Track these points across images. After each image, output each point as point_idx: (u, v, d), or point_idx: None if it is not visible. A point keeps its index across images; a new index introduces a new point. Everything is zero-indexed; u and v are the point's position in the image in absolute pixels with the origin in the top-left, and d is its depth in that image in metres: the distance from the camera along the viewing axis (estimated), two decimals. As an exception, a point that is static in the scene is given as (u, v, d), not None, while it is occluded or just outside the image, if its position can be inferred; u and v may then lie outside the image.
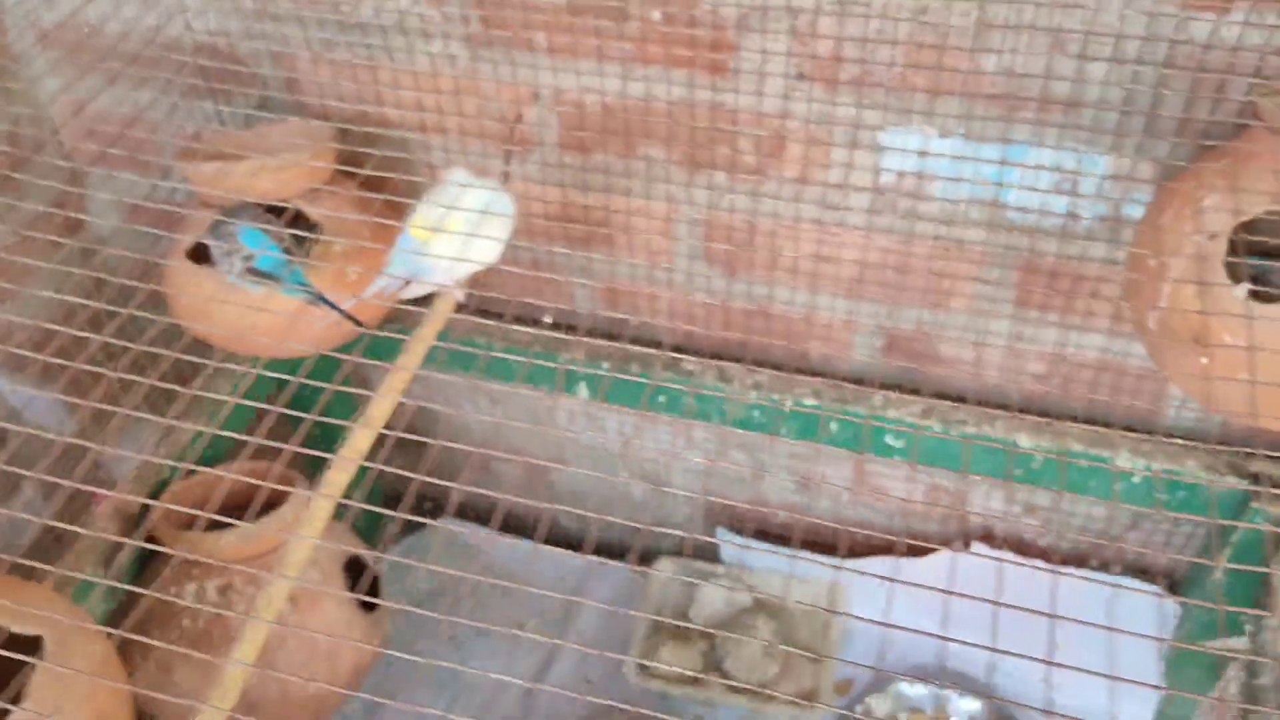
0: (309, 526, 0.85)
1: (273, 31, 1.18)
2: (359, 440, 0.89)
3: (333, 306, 1.00)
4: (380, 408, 0.91)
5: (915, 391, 1.23)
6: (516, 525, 1.70)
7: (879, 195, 1.12)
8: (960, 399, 1.22)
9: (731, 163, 1.14)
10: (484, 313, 1.31)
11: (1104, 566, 1.40)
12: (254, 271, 1.00)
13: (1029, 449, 1.19)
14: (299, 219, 1.09)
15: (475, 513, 1.70)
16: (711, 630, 1.47)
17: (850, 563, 1.46)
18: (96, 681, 0.84)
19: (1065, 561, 1.40)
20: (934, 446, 1.24)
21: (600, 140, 1.17)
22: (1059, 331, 1.17)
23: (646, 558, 1.61)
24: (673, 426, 1.47)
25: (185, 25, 1.19)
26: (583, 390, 1.34)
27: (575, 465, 1.58)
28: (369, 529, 1.53)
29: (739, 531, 1.56)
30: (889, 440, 1.25)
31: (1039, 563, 1.37)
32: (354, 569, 1.24)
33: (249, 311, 1.01)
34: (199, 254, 1.07)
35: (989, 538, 1.43)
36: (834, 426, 1.26)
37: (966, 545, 1.43)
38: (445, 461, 1.51)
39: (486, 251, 0.96)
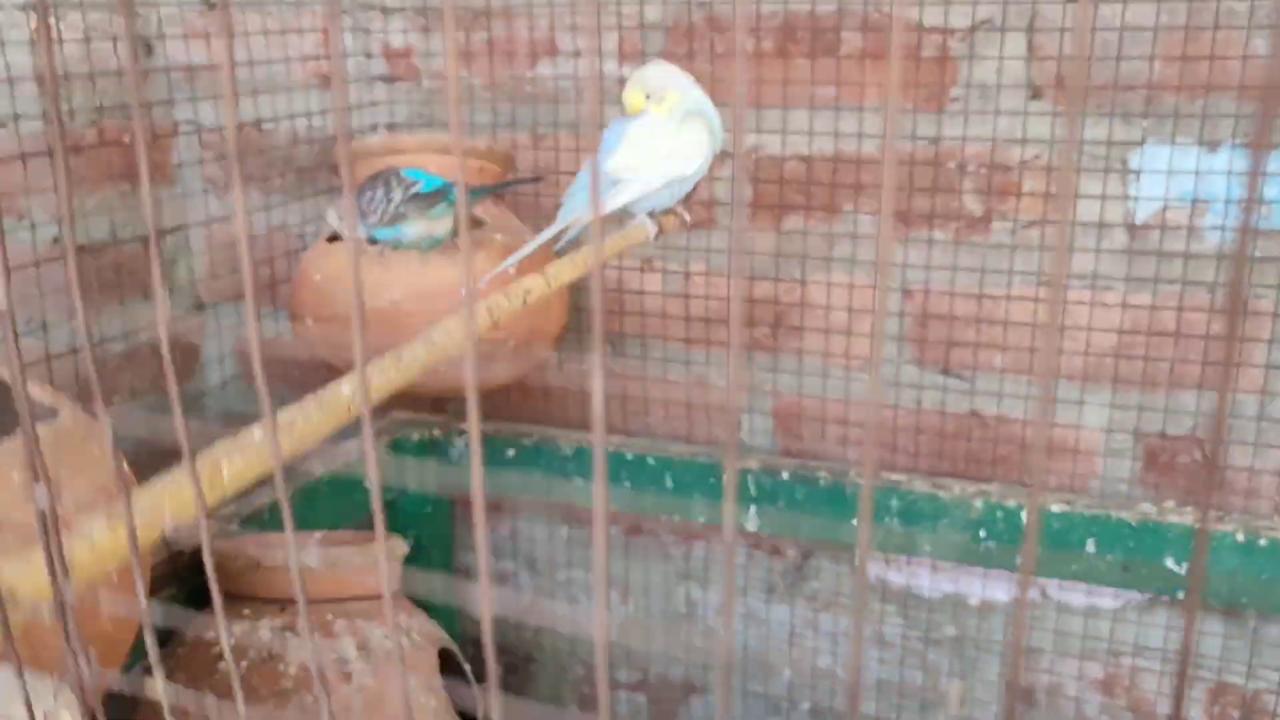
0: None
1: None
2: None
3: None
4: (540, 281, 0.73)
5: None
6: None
7: (1135, 236, 0.96)
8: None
9: (955, 214, 1.00)
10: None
11: None
12: (412, 203, 0.88)
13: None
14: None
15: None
16: None
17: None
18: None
19: None
20: (1236, 575, 0.93)
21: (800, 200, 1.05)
22: (1390, 412, 0.91)
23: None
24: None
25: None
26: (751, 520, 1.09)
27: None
28: None
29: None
30: (1169, 564, 0.94)
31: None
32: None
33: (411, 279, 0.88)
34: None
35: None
36: (1090, 548, 0.96)
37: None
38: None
39: (690, 158, 0.82)
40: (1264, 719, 1.03)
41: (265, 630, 0.86)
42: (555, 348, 1.10)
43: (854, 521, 1.04)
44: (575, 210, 0.84)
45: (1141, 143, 0.93)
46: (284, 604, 0.89)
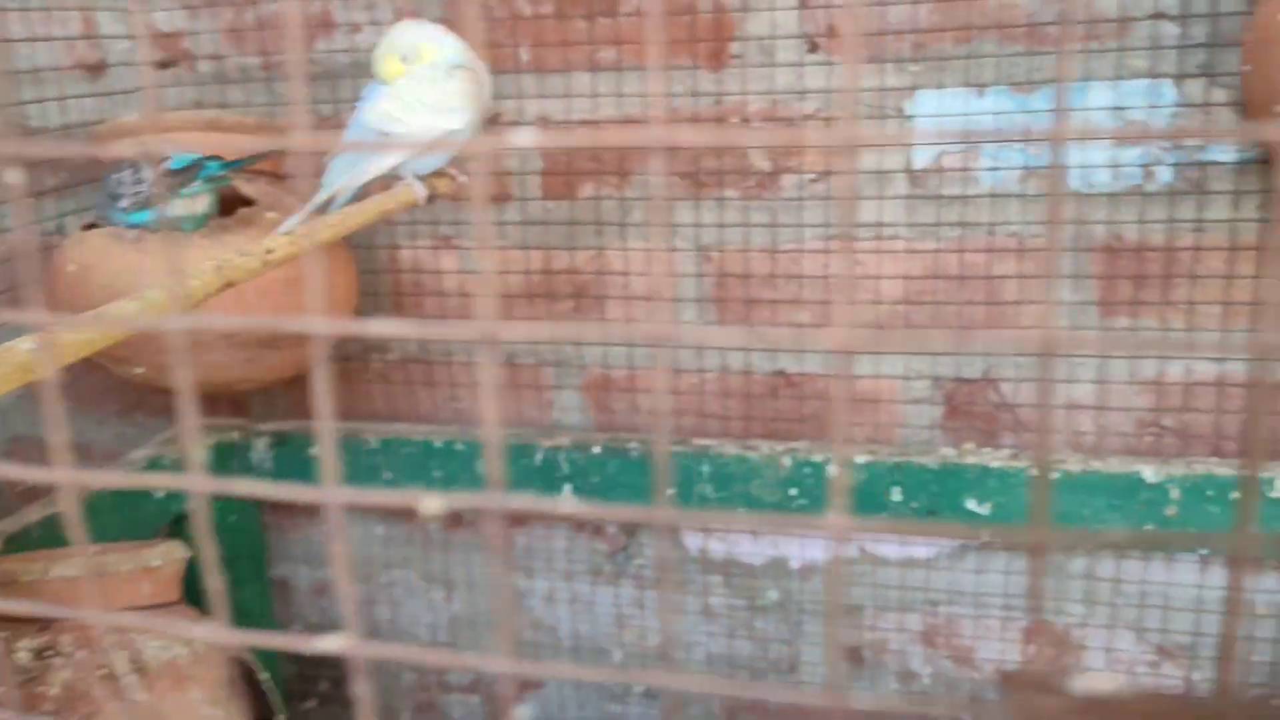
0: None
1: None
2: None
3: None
4: (289, 250, 0.68)
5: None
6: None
7: (915, 183, 0.97)
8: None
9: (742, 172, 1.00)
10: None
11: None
12: (163, 182, 0.82)
13: (1155, 482, 0.90)
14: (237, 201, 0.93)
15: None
16: None
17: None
18: None
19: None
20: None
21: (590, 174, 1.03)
22: (1159, 338, 0.94)
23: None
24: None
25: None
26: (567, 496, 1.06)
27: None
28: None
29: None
30: (971, 505, 0.95)
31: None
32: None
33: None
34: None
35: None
36: (896, 494, 0.97)
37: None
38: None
39: (457, 110, 0.79)
40: (1075, 651, 1.05)
41: (23, 652, 0.78)
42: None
43: (669, 492, 1.02)
44: (339, 174, 0.80)
45: (914, 89, 0.95)
46: (44, 622, 0.81)
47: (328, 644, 0.26)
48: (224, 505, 1.16)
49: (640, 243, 1.04)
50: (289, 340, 0.94)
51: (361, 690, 0.27)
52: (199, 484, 0.26)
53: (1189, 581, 1.00)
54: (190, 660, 0.82)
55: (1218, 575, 0.99)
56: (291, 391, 1.17)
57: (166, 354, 0.90)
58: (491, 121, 1.00)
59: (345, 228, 0.74)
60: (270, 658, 1.22)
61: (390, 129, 0.77)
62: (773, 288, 1.02)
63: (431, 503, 0.25)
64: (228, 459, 1.15)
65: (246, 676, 0.90)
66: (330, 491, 0.25)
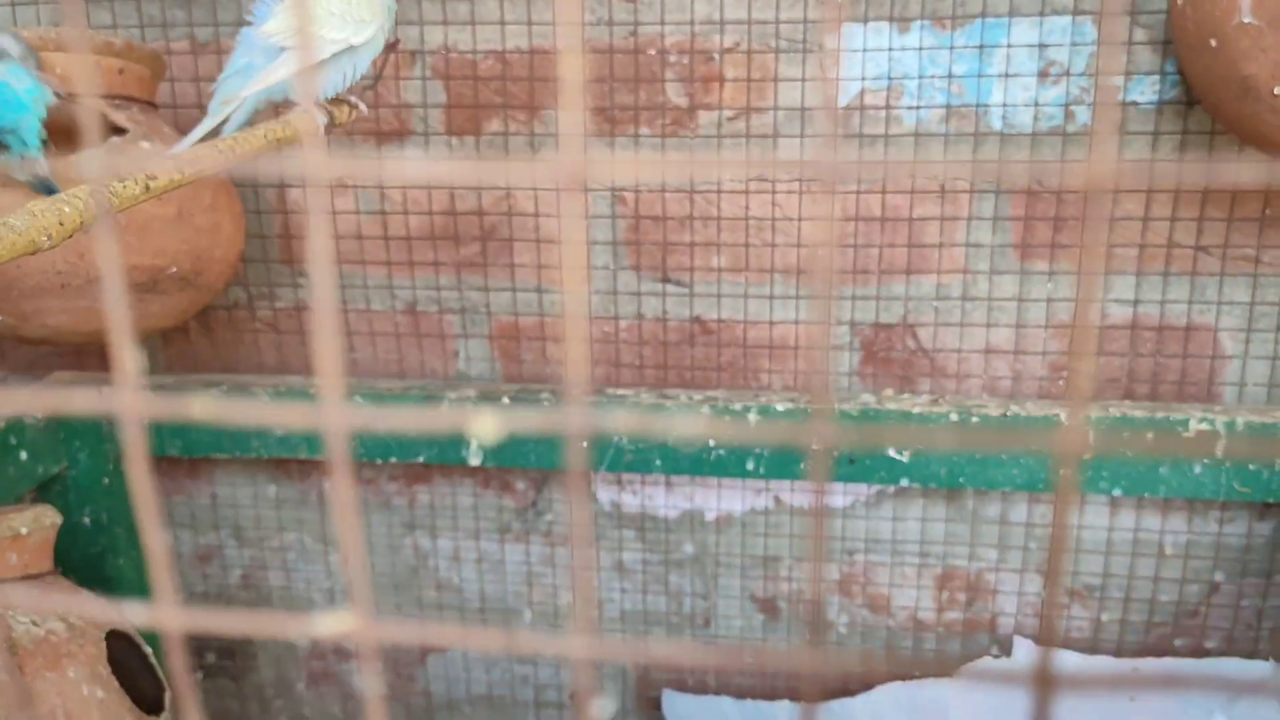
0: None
1: None
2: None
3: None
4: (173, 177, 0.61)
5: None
6: None
7: (838, 121, 0.94)
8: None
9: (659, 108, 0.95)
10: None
11: (1197, 647, 1.03)
12: None
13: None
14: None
15: (321, 744, 1.22)
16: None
17: (852, 702, 1.04)
18: None
19: (1141, 654, 1.03)
20: (953, 457, 0.93)
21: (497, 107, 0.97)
22: (1076, 281, 0.94)
23: (565, 767, 1.14)
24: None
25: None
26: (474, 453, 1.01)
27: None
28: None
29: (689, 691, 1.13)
30: (891, 452, 0.94)
31: (1113, 660, 1.00)
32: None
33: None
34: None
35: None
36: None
37: (1004, 649, 1.04)
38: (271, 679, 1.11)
39: (362, 22, 0.72)
40: (987, 596, 1.05)
41: None
42: (233, 279, 0.97)
43: (583, 444, 0.98)
44: (230, 93, 0.73)
45: (838, 23, 0.92)
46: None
47: (331, 624, 0.21)
48: (97, 465, 1.07)
49: (550, 181, 0.99)
50: (171, 285, 0.86)
51: (370, 678, 0.22)
52: (130, 404, 0.21)
53: (1099, 524, 1.01)
54: (67, 636, 0.75)
55: (1127, 518, 1.00)
56: (172, 343, 1.09)
57: (29, 299, 0.82)
58: (390, 49, 0.93)
59: (235, 155, 0.66)
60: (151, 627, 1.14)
61: (289, 43, 0.70)
62: (690, 231, 0.99)
63: (486, 424, 0.20)
64: (101, 417, 1.06)
65: (128, 651, 0.83)
66: (333, 412, 0.20)
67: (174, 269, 0.85)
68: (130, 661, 0.81)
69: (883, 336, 0.99)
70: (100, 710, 0.72)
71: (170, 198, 0.83)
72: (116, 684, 0.75)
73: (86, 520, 1.08)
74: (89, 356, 1.09)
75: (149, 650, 0.82)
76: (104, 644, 0.77)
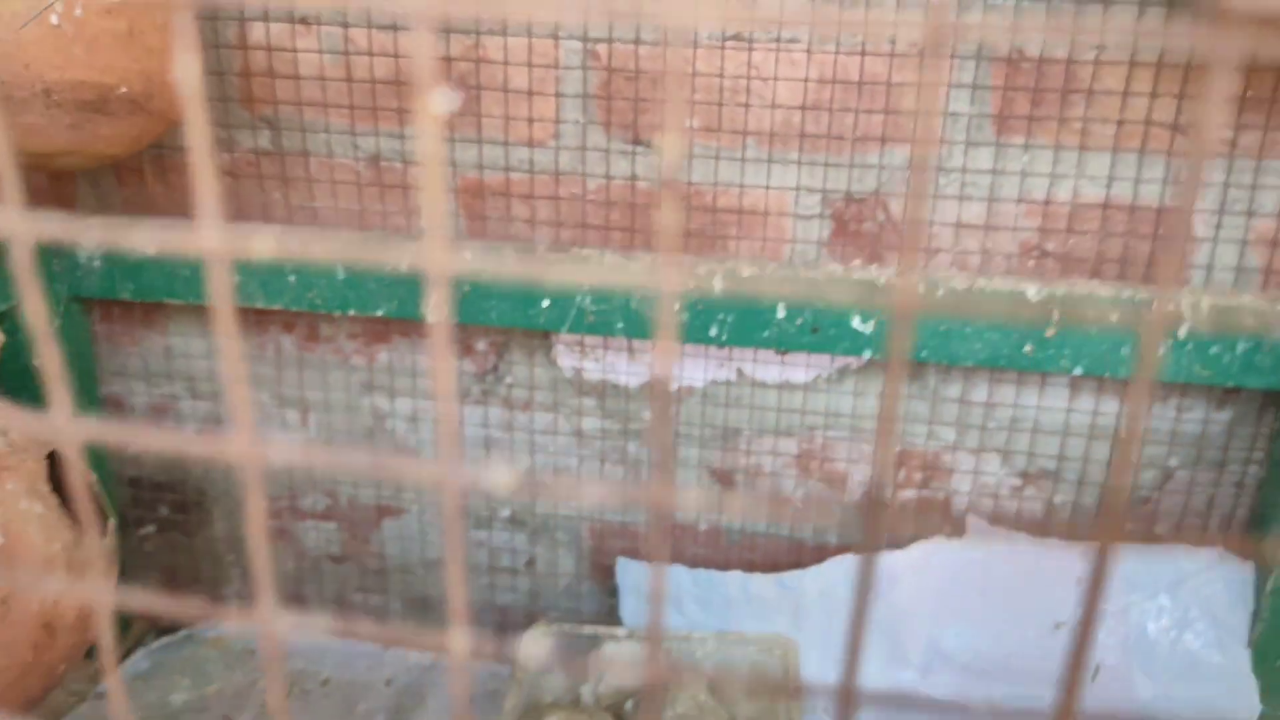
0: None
1: None
2: None
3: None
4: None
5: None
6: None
7: (820, -22, 0.91)
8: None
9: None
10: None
11: (1149, 533, 1.04)
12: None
13: (1038, 300, 0.89)
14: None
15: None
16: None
17: (802, 574, 1.05)
18: None
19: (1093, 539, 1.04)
20: (916, 329, 0.92)
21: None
22: (1051, 157, 0.93)
23: (508, 628, 1.15)
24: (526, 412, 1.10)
25: None
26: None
27: (411, 498, 1.16)
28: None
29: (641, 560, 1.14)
30: (856, 323, 0.93)
31: (1063, 544, 1.01)
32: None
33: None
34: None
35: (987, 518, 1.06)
36: (780, 311, 0.94)
37: (959, 531, 1.05)
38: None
39: None
40: (944, 476, 1.06)
41: None
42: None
43: (544, 303, 0.97)
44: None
45: None
46: None
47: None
48: (47, 308, 1.04)
49: (520, 25, 0.96)
50: (120, 107, 0.83)
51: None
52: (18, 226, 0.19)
53: (1059, 406, 1.01)
54: (5, 450, 0.73)
55: (1087, 400, 1.00)
56: (127, 183, 1.06)
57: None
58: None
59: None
60: (104, 477, 1.13)
61: None
62: (662, 88, 0.96)
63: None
64: (49, 258, 1.03)
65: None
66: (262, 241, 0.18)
67: (124, 89, 0.82)
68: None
69: (854, 209, 0.98)
70: (39, 524, 0.71)
71: (121, 12, 0.79)
72: (56, 501, 0.74)
73: (36, 360, 1.06)
74: (43, 191, 1.06)
75: (94, 477, 0.81)
76: (45, 463, 0.76)
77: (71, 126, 0.81)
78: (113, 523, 0.80)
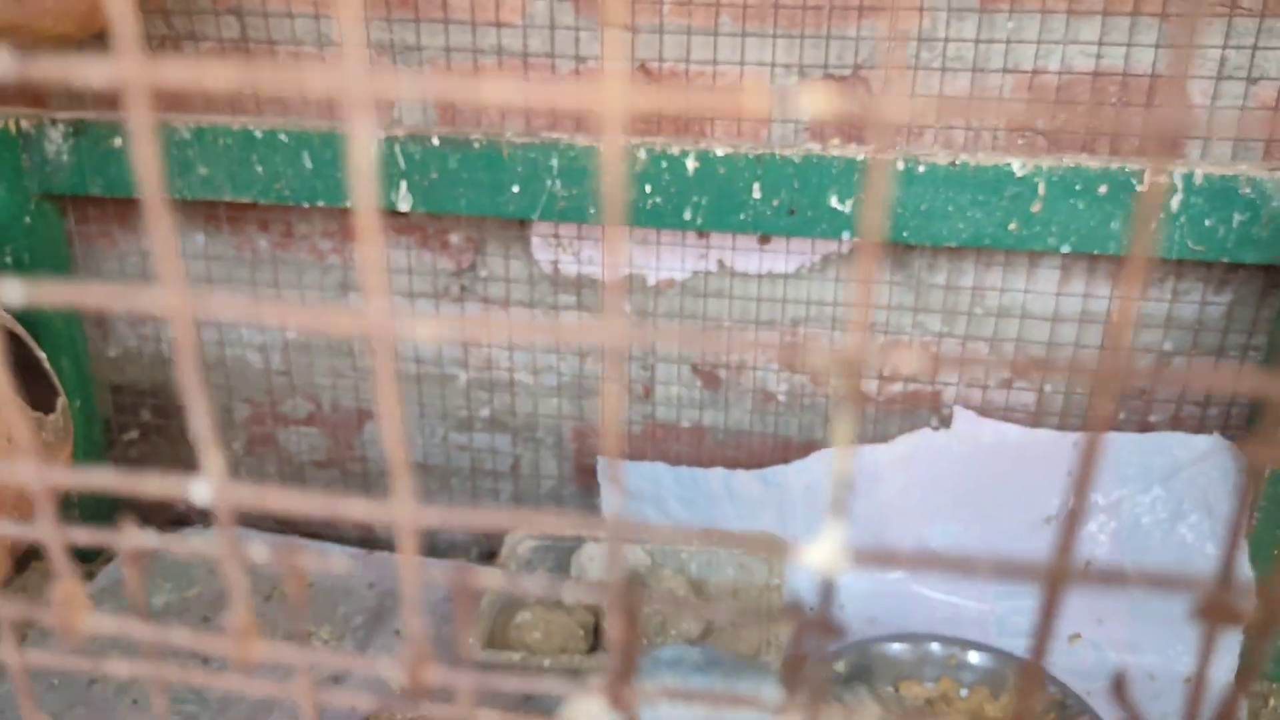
0: None
1: None
2: None
3: None
4: None
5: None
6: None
7: None
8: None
9: None
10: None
11: (1142, 422, 1.01)
12: None
13: (1023, 175, 0.85)
14: None
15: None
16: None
17: (785, 470, 1.03)
18: None
19: (1085, 428, 1.01)
20: (897, 210, 0.89)
21: None
22: (1040, 20, 0.88)
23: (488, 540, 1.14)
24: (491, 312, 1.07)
25: None
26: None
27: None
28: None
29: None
30: (834, 203, 0.90)
31: (1054, 433, 0.98)
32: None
33: None
34: None
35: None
36: (755, 191, 0.91)
37: (945, 423, 1.02)
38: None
39: None
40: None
41: None
42: (144, -8, 0.92)
43: (514, 188, 0.94)
44: None
45: None
46: None
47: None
48: (17, 205, 1.03)
49: (486, -95, 0.92)
50: (66, -20, 0.80)
51: None
52: None
53: (1047, 291, 0.97)
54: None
55: (1078, 284, 0.97)
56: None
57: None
58: None
59: None
60: (85, 385, 1.12)
61: None
62: (632, -37, 0.92)
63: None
64: (14, 151, 1.01)
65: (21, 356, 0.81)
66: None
67: (68, -40, 0.79)
68: (26, 364, 0.79)
69: (834, 86, 0.94)
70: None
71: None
72: (13, 381, 0.73)
73: (8, 259, 1.05)
74: (7, 90, 1.05)
75: (43, 355, 0.80)
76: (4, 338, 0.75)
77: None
78: (63, 400, 0.79)
